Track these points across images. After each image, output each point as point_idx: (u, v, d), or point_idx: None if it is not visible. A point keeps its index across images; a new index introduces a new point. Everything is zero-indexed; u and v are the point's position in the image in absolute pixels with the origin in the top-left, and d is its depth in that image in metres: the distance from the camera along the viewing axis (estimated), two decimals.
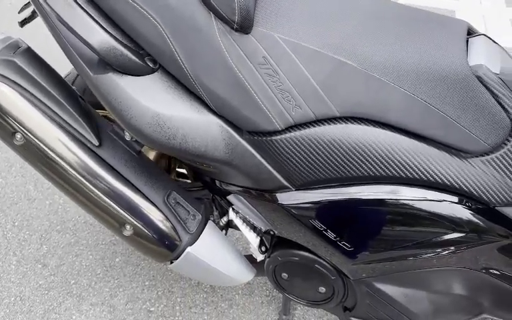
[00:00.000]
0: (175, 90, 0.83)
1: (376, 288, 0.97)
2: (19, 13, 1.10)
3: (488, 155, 0.79)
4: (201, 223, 1.03)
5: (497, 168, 0.79)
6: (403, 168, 0.80)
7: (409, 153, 0.80)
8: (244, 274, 1.10)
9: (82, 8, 0.78)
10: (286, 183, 0.86)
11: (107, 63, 0.82)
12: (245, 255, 1.15)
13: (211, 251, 1.04)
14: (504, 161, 0.79)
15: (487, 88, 0.78)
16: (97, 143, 0.95)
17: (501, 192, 0.80)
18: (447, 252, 0.86)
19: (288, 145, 0.81)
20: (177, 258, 1.02)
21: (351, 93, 0.79)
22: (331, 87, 0.79)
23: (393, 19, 0.85)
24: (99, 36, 0.78)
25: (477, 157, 0.80)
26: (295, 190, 0.87)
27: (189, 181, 1.29)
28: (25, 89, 0.89)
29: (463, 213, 0.83)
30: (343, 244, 0.88)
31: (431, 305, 0.99)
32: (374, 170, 0.81)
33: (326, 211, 0.85)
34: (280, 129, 0.81)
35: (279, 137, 0.82)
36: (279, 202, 0.88)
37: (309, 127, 0.81)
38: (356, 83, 0.79)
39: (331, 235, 0.87)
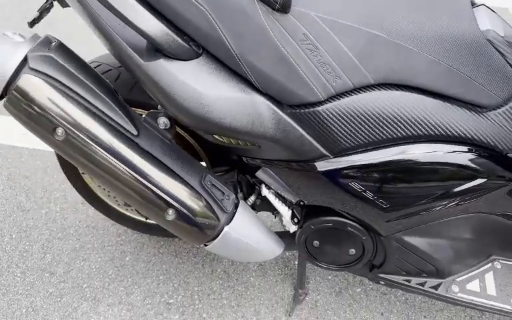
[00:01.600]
0: (220, 72, 0.87)
1: (405, 241, 1.06)
2: (38, 11, 1.09)
3: (500, 108, 0.91)
4: (235, 202, 1.08)
5: (508, 119, 0.91)
6: (431, 126, 0.90)
7: (436, 111, 0.89)
8: (275, 248, 1.16)
9: None
10: (325, 152, 0.93)
11: (156, 50, 0.85)
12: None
13: (245, 229, 1.09)
14: None
15: (496, 49, 0.89)
16: (135, 133, 0.97)
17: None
18: (468, 198, 0.97)
19: (329, 114, 0.88)
20: (214, 238, 1.06)
21: (383, 62, 0.87)
22: (366, 57, 0.87)
23: None
24: (152, 23, 0.81)
25: (491, 110, 0.91)
26: (333, 157, 0.94)
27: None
28: (64, 84, 0.90)
29: (481, 161, 0.94)
30: (380, 202, 0.96)
31: (450, 251, 1.10)
32: (406, 130, 0.90)
33: (365, 173, 0.93)
34: (323, 99, 0.88)
35: (321, 108, 0.88)
36: (319, 170, 0.95)
37: (347, 95, 0.88)
38: (387, 52, 0.87)
39: (369, 194, 0.95)
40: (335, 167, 0.94)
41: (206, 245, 1.11)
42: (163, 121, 1.02)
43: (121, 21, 0.85)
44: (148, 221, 1.47)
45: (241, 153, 1.06)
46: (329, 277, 1.57)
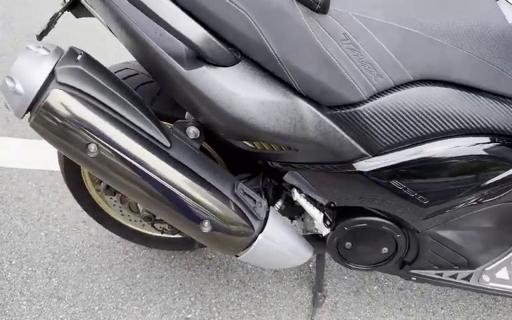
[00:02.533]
0: (261, 77, 0.85)
1: (438, 235, 1.07)
2: (47, 23, 1.04)
3: None
4: (266, 209, 1.05)
5: None
6: (468, 120, 0.91)
7: (472, 105, 0.91)
8: (305, 253, 1.14)
9: (173, 2, 0.77)
10: (364, 151, 0.93)
11: (197, 57, 0.82)
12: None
13: (278, 235, 1.07)
14: None
15: None
16: (168, 144, 0.93)
17: None
18: (501, 188, 0.99)
19: (370, 113, 0.88)
20: (248, 247, 1.04)
21: (420, 58, 0.88)
22: (404, 54, 0.87)
23: None
24: (195, 29, 0.78)
25: None
26: (372, 156, 0.94)
27: None
28: (94, 98, 0.85)
29: None
30: (420, 198, 0.97)
31: (479, 241, 1.12)
32: (444, 125, 0.91)
33: (406, 170, 0.93)
34: (365, 98, 0.87)
35: (362, 107, 0.88)
36: (359, 170, 0.94)
37: (387, 93, 0.88)
38: (423, 48, 0.88)
39: (409, 191, 0.95)
40: (376, 167, 0.93)
41: (237, 256, 1.08)
42: (192, 131, 0.98)
43: (156, 29, 0.82)
44: (163, 235, 1.42)
45: (271, 158, 1.03)
46: (345, 277, 1.56)
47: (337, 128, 0.90)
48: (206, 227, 0.97)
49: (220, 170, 1.02)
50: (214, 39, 0.80)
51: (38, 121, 0.83)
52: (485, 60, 0.90)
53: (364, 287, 1.54)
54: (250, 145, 0.98)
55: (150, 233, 1.42)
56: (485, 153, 0.94)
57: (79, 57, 0.87)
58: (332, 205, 1.11)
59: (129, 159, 0.88)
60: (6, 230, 1.62)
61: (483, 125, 0.92)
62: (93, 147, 0.86)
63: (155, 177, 0.90)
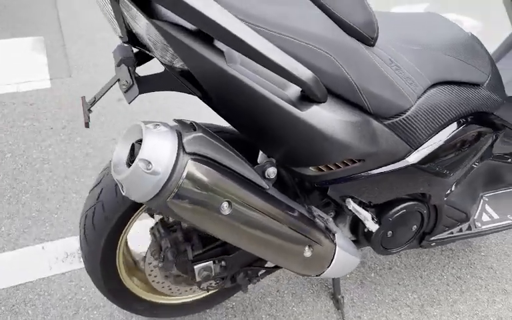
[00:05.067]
0: (346, 105, 1.01)
1: (450, 200, 1.36)
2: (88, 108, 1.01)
3: (487, 81, 1.29)
4: (333, 222, 1.19)
5: (491, 88, 1.30)
6: (459, 106, 1.21)
7: (461, 95, 1.22)
8: (358, 253, 1.30)
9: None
10: (409, 147, 1.16)
11: (302, 98, 0.93)
12: None
13: (344, 243, 1.22)
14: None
15: (478, 44, 1.28)
16: (267, 187, 1.01)
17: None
18: (486, 148, 1.33)
19: (414, 114, 1.12)
20: (331, 261, 1.16)
21: (429, 67, 1.16)
22: (422, 67, 1.14)
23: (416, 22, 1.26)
24: (306, 72, 0.89)
25: (482, 86, 1.29)
26: (414, 150, 1.17)
27: None
28: (215, 160, 0.90)
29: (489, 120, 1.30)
30: (447, 172, 1.23)
31: (468, 197, 1.45)
32: (451, 113, 1.19)
33: (438, 152, 1.18)
34: (412, 104, 1.10)
35: (409, 112, 1.11)
36: (411, 164, 1.16)
37: (421, 97, 1.13)
38: (429, 59, 1.16)
39: (440, 169, 1.21)
40: (419, 158, 1.17)
41: (319, 275, 1.19)
42: (272, 171, 1.06)
43: (262, 83, 0.90)
44: (208, 294, 1.41)
45: (325, 178, 1.17)
46: (348, 276, 1.76)
47: (393, 133, 1.11)
48: (307, 252, 1.07)
49: (293, 200, 1.13)
50: (319, 79, 0.93)
51: (179, 195, 0.83)
52: (467, 62, 1.23)
53: (365, 278, 1.76)
54: (314, 170, 1.11)
55: (193, 298, 1.40)
56: (472, 128, 1.26)
57: (197, 126, 0.90)
58: (370, 203, 1.30)
59: (254, 209, 0.95)
60: None
61: (468, 108, 1.24)
62: (225, 205, 0.89)
63: (272, 219, 0.98)
